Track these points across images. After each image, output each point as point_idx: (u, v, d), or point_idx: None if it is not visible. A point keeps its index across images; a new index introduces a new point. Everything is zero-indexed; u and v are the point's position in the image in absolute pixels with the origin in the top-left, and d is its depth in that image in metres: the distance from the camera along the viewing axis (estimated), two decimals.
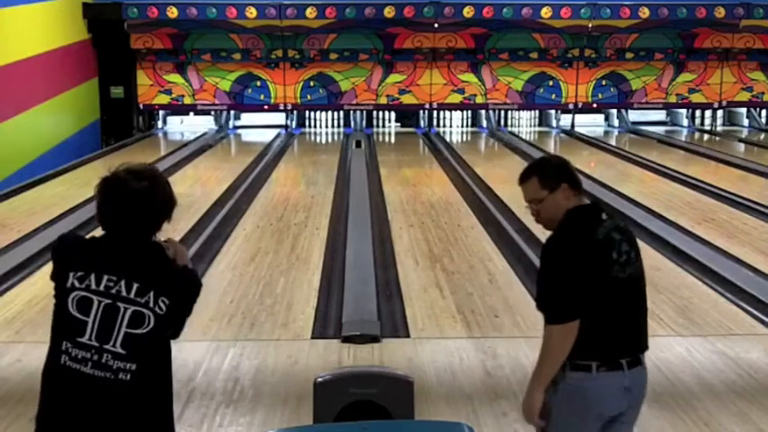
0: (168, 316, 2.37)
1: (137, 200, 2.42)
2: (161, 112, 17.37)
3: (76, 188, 10.91)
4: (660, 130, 17.51)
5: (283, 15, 15.84)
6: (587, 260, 2.73)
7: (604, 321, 2.75)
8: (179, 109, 17.27)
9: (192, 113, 17.46)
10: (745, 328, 5.60)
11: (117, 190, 2.50)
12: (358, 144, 14.64)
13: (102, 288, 2.34)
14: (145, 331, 2.32)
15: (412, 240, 8.00)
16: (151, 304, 2.34)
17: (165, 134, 17.19)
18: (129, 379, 2.31)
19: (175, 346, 5.24)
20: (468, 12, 16.01)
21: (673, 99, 17.43)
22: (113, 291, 2.34)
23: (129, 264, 2.38)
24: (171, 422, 2.45)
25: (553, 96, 17.23)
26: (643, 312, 2.89)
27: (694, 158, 13.72)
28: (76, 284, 2.34)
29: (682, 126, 18.25)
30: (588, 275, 2.72)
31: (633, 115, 17.92)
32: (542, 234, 2.97)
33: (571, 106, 17.36)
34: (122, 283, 2.34)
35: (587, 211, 2.85)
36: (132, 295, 2.34)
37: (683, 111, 18.19)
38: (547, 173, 2.90)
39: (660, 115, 18.47)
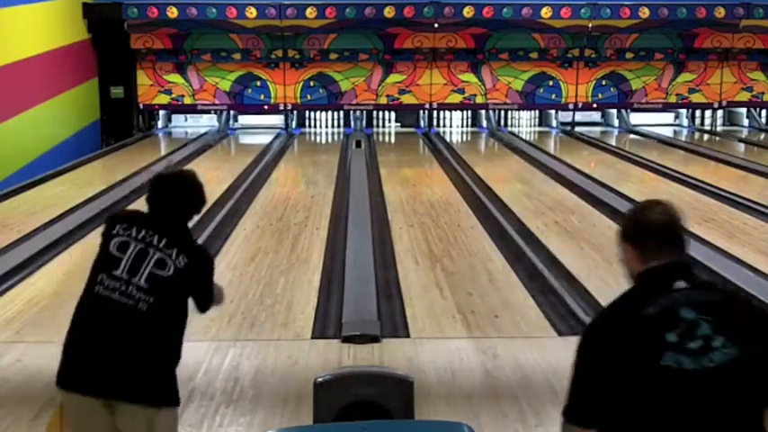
0: (186, 272, 2.93)
1: (175, 190, 3.05)
2: (162, 111, 17.38)
3: (76, 188, 10.92)
4: (668, 131, 17.49)
5: (283, 15, 15.84)
6: (620, 345, 2.10)
7: (652, 429, 2.08)
8: (179, 109, 17.29)
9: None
10: None
11: (163, 181, 3.08)
12: (358, 144, 14.64)
13: (139, 237, 2.93)
14: (165, 275, 2.88)
15: (412, 240, 8.00)
16: (173, 256, 2.92)
17: (169, 134, 17.20)
18: (146, 309, 2.84)
19: None
20: (468, 12, 16.01)
21: (673, 99, 17.43)
22: (147, 240, 2.93)
23: (164, 228, 2.98)
24: (173, 359, 2.92)
25: (553, 96, 17.23)
26: (736, 426, 2.08)
27: (694, 158, 13.73)
28: (120, 232, 2.95)
29: (682, 126, 18.25)
30: (620, 367, 2.08)
31: (639, 118, 17.91)
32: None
33: (571, 106, 17.37)
34: (155, 236, 2.94)
35: (654, 274, 2.21)
36: (161, 246, 2.93)
37: (683, 111, 18.20)
38: (623, 223, 2.34)
39: (668, 117, 18.44)
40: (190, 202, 3.07)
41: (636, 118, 17.88)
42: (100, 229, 3.09)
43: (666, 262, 2.21)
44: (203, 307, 3.13)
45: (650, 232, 2.24)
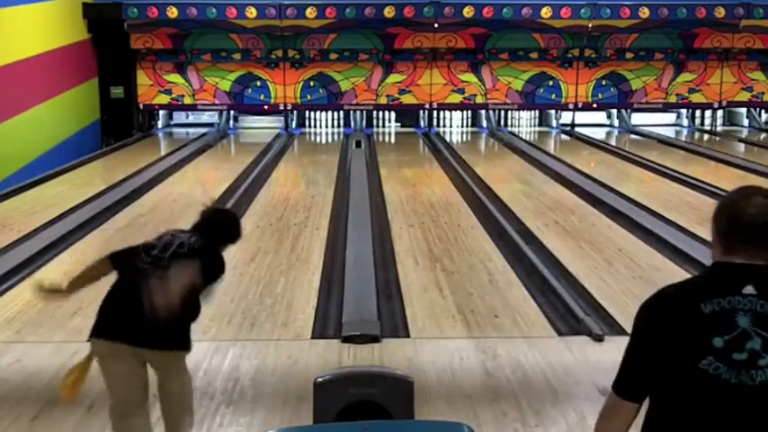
0: (197, 253, 3.63)
1: (216, 222, 3.85)
2: (161, 112, 17.39)
3: (76, 188, 10.92)
4: (669, 131, 17.50)
5: (283, 15, 15.84)
6: (668, 331, 2.01)
7: (679, 427, 2.04)
8: (179, 109, 17.29)
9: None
10: None
11: (206, 214, 3.87)
12: (358, 144, 14.64)
13: (172, 235, 3.75)
14: (183, 251, 3.64)
15: (412, 240, 8.00)
16: (191, 240, 3.70)
17: (170, 133, 17.21)
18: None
19: None
20: (468, 12, 16.01)
21: (673, 99, 17.44)
22: (178, 236, 3.73)
23: (198, 245, 3.70)
24: (190, 317, 3.68)
25: (553, 96, 17.24)
26: None
27: (694, 158, 13.73)
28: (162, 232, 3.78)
29: (682, 126, 18.26)
30: (663, 352, 2.02)
31: (640, 118, 17.93)
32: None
33: (571, 106, 17.37)
34: (186, 236, 3.73)
35: (726, 270, 2.06)
36: (186, 239, 3.70)
37: (683, 111, 18.21)
38: (717, 205, 2.16)
39: (669, 117, 18.45)
40: (225, 235, 3.85)
41: (636, 118, 17.90)
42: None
43: (744, 262, 2.04)
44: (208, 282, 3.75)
45: (738, 225, 2.05)
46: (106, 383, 3.76)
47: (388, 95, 16.99)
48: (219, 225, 3.85)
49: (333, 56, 16.67)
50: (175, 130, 17.52)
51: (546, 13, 16.11)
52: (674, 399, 2.03)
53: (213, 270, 3.74)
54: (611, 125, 18.23)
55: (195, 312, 3.73)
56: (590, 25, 16.37)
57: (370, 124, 17.69)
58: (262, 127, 17.62)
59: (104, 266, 3.77)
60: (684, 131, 17.79)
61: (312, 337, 5.47)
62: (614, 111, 18.08)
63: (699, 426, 2.00)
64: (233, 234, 3.87)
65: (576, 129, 17.31)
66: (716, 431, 1.99)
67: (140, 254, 3.68)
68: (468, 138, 17.39)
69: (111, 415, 3.76)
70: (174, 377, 3.74)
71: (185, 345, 3.73)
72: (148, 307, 3.41)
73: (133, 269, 3.63)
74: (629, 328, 2.15)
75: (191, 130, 17.24)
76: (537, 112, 18.08)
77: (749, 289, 2.00)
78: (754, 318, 1.97)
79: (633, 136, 16.89)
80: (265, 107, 17.15)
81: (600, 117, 18.41)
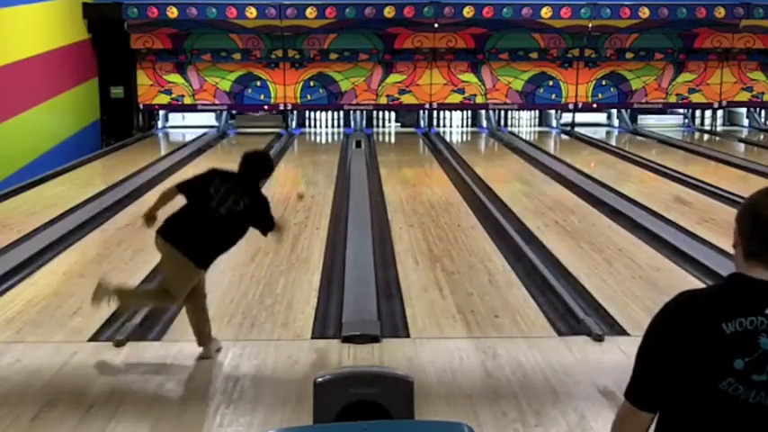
0: (250, 208, 4.91)
1: (248, 161, 5.11)
2: (161, 111, 17.37)
3: (76, 188, 10.92)
4: (676, 133, 17.48)
5: (283, 15, 15.84)
6: (687, 350, 1.95)
7: None
8: (179, 109, 17.28)
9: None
10: None
11: (247, 157, 5.13)
12: (358, 144, 14.64)
13: (225, 185, 4.92)
14: (237, 209, 4.86)
15: (412, 240, 8.00)
16: (243, 198, 4.89)
17: (167, 134, 17.19)
18: (225, 225, 4.88)
19: (176, 346, 5.26)
20: (468, 12, 16.01)
21: (673, 99, 17.44)
22: (229, 188, 4.91)
23: (240, 183, 4.97)
24: (223, 250, 5.02)
25: (553, 96, 17.24)
26: None
27: (694, 158, 13.73)
28: (216, 181, 4.96)
29: (684, 127, 18.26)
30: (680, 368, 1.96)
31: (649, 119, 17.97)
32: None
33: (571, 106, 17.37)
34: (234, 186, 4.92)
35: (748, 288, 1.95)
36: (236, 193, 4.90)
37: (681, 111, 18.21)
38: (741, 205, 2.03)
39: (676, 119, 18.46)
40: (262, 172, 5.11)
41: (641, 120, 17.92)
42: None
43: (766, 280, 1.94)
44: (265, 230, 5.08)
45: (762, 229, 1.95)
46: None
47: (388, 95, 16.99)
48: (255, 163, 5.06)
49: (333, 56, 16.67)
50: (171, 131, 17.47)
51: (546, 13, 16.11)
52: (689, 414, 1.99)
53: (264, 212, 5.03)
54: (610, 125, 18.22)
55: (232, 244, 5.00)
56: (590, 25, 16.37)
57: (370, 124, 17.69)
58: (259, 131, 17.58)
59: (172, 193, 5.07)
60: (684, 131, 17.78)
61: (312, 337, 5.46)
62: (614, 111, 18.07)
63: None
64: (267, 168, 5.16)
65: (576, 129, 17.31)
66: None
67: (200, 204, 4.87)
68: (468, 138, 17.39)
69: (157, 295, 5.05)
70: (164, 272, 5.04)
71: (207, 264, 4.95)
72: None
73: (200, 212, 4.86)
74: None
75: (187, 131, 17.20)
76: (537, 112, 18.08)
77: None
78: None
79: (633, 136, 16.89)
80: (265, 107, 17.15)
81: (600, 117, 18.41)
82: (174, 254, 4.82)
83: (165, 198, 5.07)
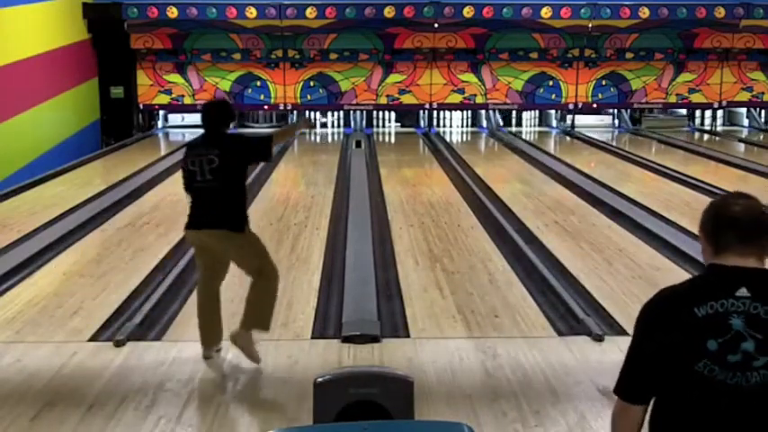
0: (223, 157, 4.90)
1: (212, 109, 5.07)
2: (161, 111, 17.36)
3: (76, 188, 10.92)
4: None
5: (283, 15, 15.84)
6: (664, 335, 2.07)
7: (678, 427, 2.10)
8: (179, 109, 17.26)
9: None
10: None
11: (205, 108, 5.10)
12: (358, 144, 14.64)
13: (197, 153, 4.96)
14: (214, 166, 4.88)
15: (412, 240, 8.00)
16: (213, 153, 4.90)
17: (167, 134, 17.18)
18: (216, 188, 4.92)
19: (176, 346, 5.26)
20: (468, 12, 16.01)
21: (673, 99, 17.43)
22: (202, 153, 4.93)
23: (208, 141, 5.00)
24: (239, 211, 5.02)
25: (553, 96, 17.23)
26: None
27: (694, 158, 13.73)
28: (190, 155, 5.00)
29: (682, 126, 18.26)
30: (660, 356, 2.09)
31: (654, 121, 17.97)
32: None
33: (571, 106, 17.37)
34: (203, 149, 4.95)
35: (718, 274, 2.10)
36: (205, 153, 4.92)
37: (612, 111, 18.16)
38: (703, 212, 2.23)
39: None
40: (222, 116, 5.03)
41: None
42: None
43: (737, 265, 2.08)
44: (265, 156, 5.32)
45: (726, 224, 2.12)
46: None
47: (388, 95, 16.99)
48: (212, 113, 5.01)
49: (333, 56, 16.66)
50: (171, 131, 17.45)
51: (546, 13, 16.11)
52: (674, 400, 2.09)
53: (246, 143, 5.30)
54: (611, 125, 18.21)
55: (243, 203, 5.07)
56: (590, 25, 16.37)
57: (370, 124, 17.68)
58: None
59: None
60: (684, 131, 17.80)
61: (312, 337, 5.47)
62: (614, 111, 18.06)
63: (698, 424, 2.06)
64: (231, 117, 5.11)
65: (576, 129, 17.30)
66: (714, 430, 2.05)
67: (191, 180, 4.95)
68: (468, 138, 17.39)
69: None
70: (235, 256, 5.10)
71: (241, 226, 4.98)
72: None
73: (195, 189, 4.99)
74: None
75: (186, 131, 17.16)
76: (537, 112, 18.08)
77: (743, 291, 2.04)
78: (747, 320, 2.01)
79: (633, 136, 16.88)
80: (265, 107, 17.16)
81: (606, 119, 18.36)
82: (217, 235, 4.93)
83: None
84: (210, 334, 5.04)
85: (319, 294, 6.33)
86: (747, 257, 2.09)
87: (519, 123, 18.11)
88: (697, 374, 2.02)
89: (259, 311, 4.96)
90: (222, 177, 4.90)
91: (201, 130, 5.09)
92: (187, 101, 16.80)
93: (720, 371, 2.01)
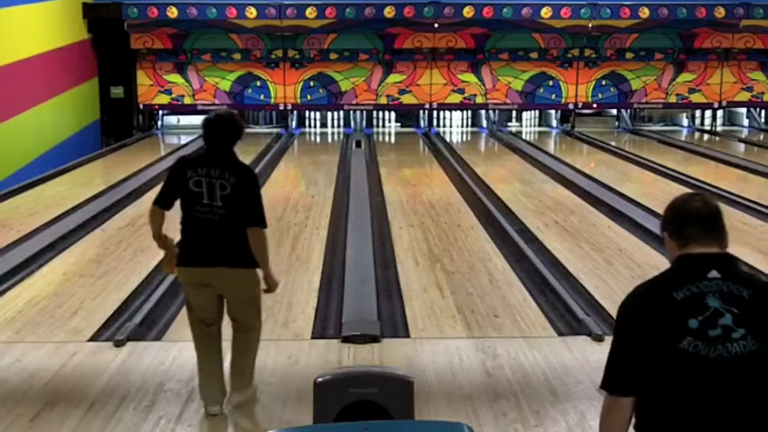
0: (237, 186, 4.18)
1: (220, 125, 4.27)
2: (160, 113, 17.35)
3: (76, 188, 10.92)
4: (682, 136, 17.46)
5: (283, 15, 15.84)
6: (646, 322, 2.22)
7: (669, 408, 2.23)
8: (179, 109, 17.25)
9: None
10: None
11: (211, 121, 4.29)
12: (358, 144, 14.64)
13: (204, 173, 4.20)
14: (226, 193, 4.17)
15: (412, 240, 8.00)
16: (227, 177, 4.18)
17: (164, 134, 17.17)
18: (227, 219, 4.19)
19: (176, 346, 5.26)
20: (468, 12, 16.01)
21: (673, 99, 17.43)
22: (210, 174, 4.20)
23: (217, 160, 4.23)
24: (248, 246, 4.24)
25: (553, 96, 17.23)
26: (750, 417, 2.20)
27: (694, 158, 13.73)
28: (192, 175, 4.21)
29: (681, 126, 18.26)
30: (645, 342, 2.22)
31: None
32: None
33: (571, 106, 17.36)
34: (212, 169, 4.20)
35: (690, 261, 2.29)
36: (218, 175, 4.19)
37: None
38: (664, 211, 2.42)
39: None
40: (232, 134, 4.26)
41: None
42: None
43: (703, 252, 2.29)
44: (251, 220, 4.22)
45: (689, 219, 2.32)
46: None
47: (388, 95, 16.98)
48: (223, 128, 4.27)
49: (333, 56, 16.66)
50: (171, 131, 17.40)
51: (546, 13, 16.10)
52: (662, 382, 2.22)
53: (251, 190, 4.27)
54: (610, 125, 18.20)
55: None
56: (590, 25, 16.37)
57: (370, 124, 17.68)
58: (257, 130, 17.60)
59: (156, 213, 4.35)
60: (684, 131, 17.79)
61: (312, 337, 5.47)
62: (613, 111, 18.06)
63: (687, 402, 2.20)
64: (239, 133, 4.31)
65: (576, 129, 17.30)
66: (703, 404, 2.19)
67: (193, 205, 4.22)
68: (468, 138, 17.39)
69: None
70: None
71: (251, 262, 4.30)
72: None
73: (196, 219, 4.23)
74: None
75: (182, 133, 17.10)
76: (537, 112, 18.08)
77: (714, 273, 2.24)
78: (722, 297, 2.20)
79: (633, 136, 16.88)
80: (265, 107, 17.16)
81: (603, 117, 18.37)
82: (226, 274, 4.22)
83: (154, 221, 4.33)
84: (215, 389, 4.33)
85: (319, 294, 6.33)
86: (711, 246, 2.29)
87: (519, 119, 18.08)
88: (682, 352, 2.17)
89: (250, 371, 4.41)
90: (234, 207, 4.17)
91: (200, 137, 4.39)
92: (187, 101, 16.79)
93: (704, 346, 2.17)
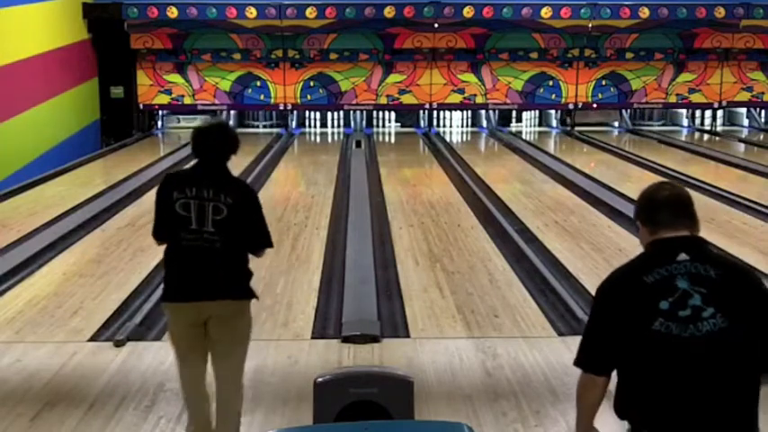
0: (235, 209, 3.69)
1: (213, 137, 3.76)
2: (160, 113, 17.34)
3: (76, 188, 10.92)
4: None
5: (283, 15, 15.83)
6: (620, 306, 2.34)
7: (646, 388, 2.32)
8: (179, 109, 17.25)
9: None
10: None
11: (203, 133, 3.78)
12: (358, 144, 14.64)
13: (194, 195, 3.67)
14: (222, 217, 3.66)
15: (412, 240, 8.00)
16: (223, 200, 3.66)
17: (167, 135, 17.17)
18: (219, 246, 3.68)
19: None
20: (468, 12, 16.01)
21: (673, 99, 17.42)
22: (200, 195, 3.66)
23: (208, 179, 3.70)
24: (247, 275, 3.81)
25: (553, 96, 17.23)
26: (725, 393, 2.28)
27: (694, 158, 13.73)
28: (179, 197, 3.67)
29: (681, 126, 18.25)
30: (619, 325, 2.33)
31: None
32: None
33: (571, 106, 17.36)
34: (204, 190, 3.67)
35: (660, 246, 2.40)
36: (211, 196, 3.66)
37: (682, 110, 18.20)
38: (636, 202, 2.55)
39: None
40: (227, 146, 3.78)
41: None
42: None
43: (673, 236, 2.39)
44: (257, 245, 3.90)
45: (659, 206, 2.43)
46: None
47: (388, 95, 16.98)
48: (217, 141, 3.76)
49: (333, 56, 16.66)
50: (171, 131, 17.40)
51: (546, 13, 16.10)
52: (638, 363, 2.31)
53: (255, 212, 3.84)
54: (610, 125, 18.20)
55: (246, 263, 3.90)
56: (590, 25, 16.37)
57: (370, 124, 17.68)
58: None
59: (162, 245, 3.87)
60: (684, 131, 17.79)
61: (312, 337, 5.47)
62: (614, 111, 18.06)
63: (664, 381, 2.28)
64: (234, 146, 3.82)
65: (576, 129, 17.30)
66: (678, 382, 2.27)
67: (178, 231, 3.69)
68: (468, 138, 17.39)
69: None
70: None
71: (247, 293, 3.84)
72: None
73: (181, 248, 3.71)
74: None
75: (182, 133, 17.10)
76: (537, 112, 18.07)
77: (682, 256, 2.33)
78: (690, 279, 2.29)
79: (633, 136, 16.88)
80: (265, 107, 17.16)
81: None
82: (220, 308, 3.71)
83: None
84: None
85: (319, 294, 6.33)
86: (680, 230, 2.39)
87: (519, 119, 18.08)
88: (654, 333, 2.26)
89: (236, 425, 3.94)
90: (229, 232, 3.69)
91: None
92: (187, 101, 16.79)
93: (675, 326, 2.26)
